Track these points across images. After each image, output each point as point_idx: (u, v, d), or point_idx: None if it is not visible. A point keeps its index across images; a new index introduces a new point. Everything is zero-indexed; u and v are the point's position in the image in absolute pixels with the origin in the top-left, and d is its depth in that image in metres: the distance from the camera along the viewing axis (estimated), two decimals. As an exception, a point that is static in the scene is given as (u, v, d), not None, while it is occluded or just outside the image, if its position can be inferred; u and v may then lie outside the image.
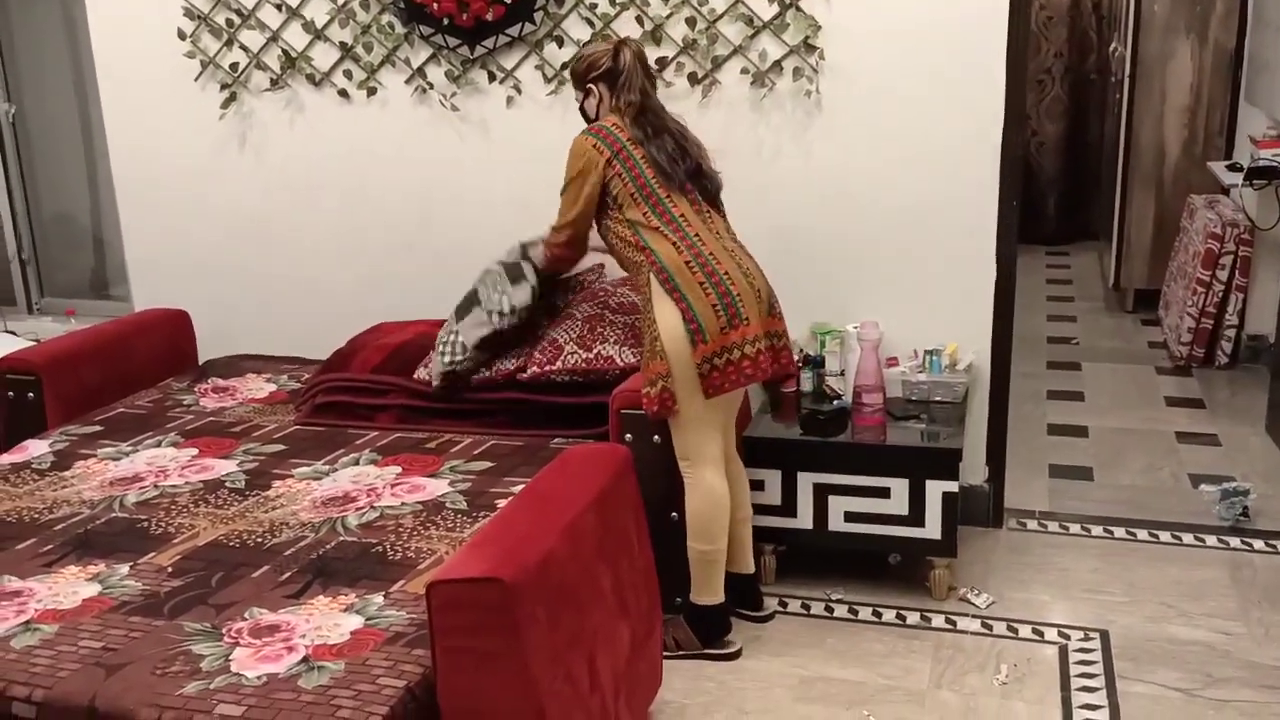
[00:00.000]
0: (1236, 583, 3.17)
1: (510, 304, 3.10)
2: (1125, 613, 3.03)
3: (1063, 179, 7.34)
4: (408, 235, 3.87)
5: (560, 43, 3.52)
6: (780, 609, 3.10)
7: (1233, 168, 4.67)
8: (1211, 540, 3.41)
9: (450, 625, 1.94)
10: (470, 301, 3.18)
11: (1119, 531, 3.49)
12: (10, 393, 3.33)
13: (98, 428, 3.25)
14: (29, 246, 4.64)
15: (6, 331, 4.31)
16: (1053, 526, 3.54)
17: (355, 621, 2.17)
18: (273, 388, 3.58)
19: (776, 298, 2.86)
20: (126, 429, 3.23)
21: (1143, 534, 3.47)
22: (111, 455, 3.05)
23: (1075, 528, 3.53)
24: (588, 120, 2.92)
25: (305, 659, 2.04)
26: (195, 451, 3.05)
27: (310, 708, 1.89)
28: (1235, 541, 3.39)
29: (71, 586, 2.34)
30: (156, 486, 2.83)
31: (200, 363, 3.88)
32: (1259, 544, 3.38)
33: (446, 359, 3.16)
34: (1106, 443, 4.19)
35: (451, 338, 3.18)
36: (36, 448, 3.11)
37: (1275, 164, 4.28)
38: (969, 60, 3.21)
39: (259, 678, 1.98)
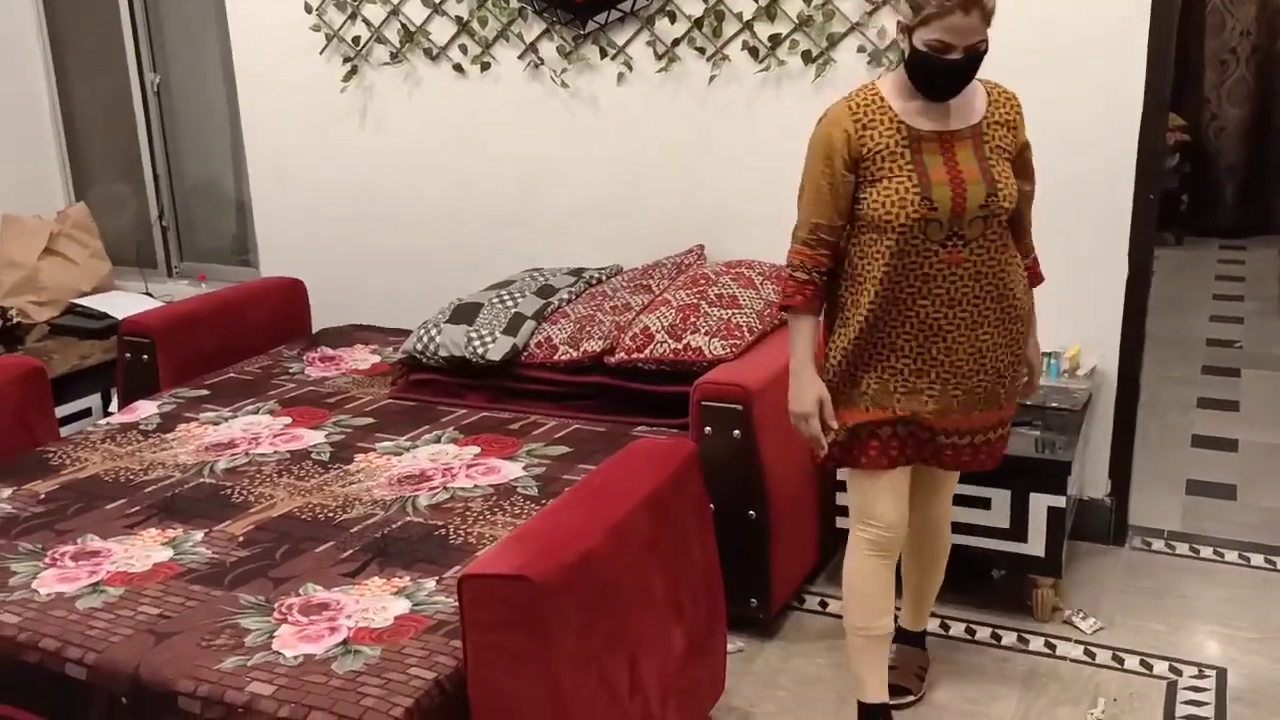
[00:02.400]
0: (1386, 627, 2.85)
1: (486, 351, 3.10)
2: (1250, 651, 2.76)
3: (1244, 167, 6.80)
4: (517, 210, 3.85)
5: (672, 18, 3.41)
6: (867, 618, 2.94)
7: None
8: (1364, 576, 3.09)
9: (481, 620, 1.89)
10: (472, 311, 3.17)
11: (1256, 559, 3.19)
12: (128, 354, 3.46)
13: (205, 391, 3.34)
14: (169, 212, 4.83)
15: (145, 293, 4.50)
16: (1181, 548, 3.26)
17: (402, 606, 2.15)
18: (376, 359, 3.62)
19: None
20: (231, 394, 3.31)
21: (1284, 563, 3.17)
22: (212, 420, 3.13)
23: (1207, 551, 3.24)
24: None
25: (344, 642, 2.03)
26: (289, 420, 3.10)
27: (337, 693, 1.88)
28: (1391, 579, 3.06)
29: (146, 550, 2.40)
30: (247, 454, 2.89)
31: (314, 331, 3.96)
32: None
33: (417, 348, 3.20)
34: (1257, 459, 3.84)
35: (433, 333, 3.17)
36: (145, 409, 3.21)
37: None
38: (1106, 39, 2.95)
39: (296, 657, 1.98)
